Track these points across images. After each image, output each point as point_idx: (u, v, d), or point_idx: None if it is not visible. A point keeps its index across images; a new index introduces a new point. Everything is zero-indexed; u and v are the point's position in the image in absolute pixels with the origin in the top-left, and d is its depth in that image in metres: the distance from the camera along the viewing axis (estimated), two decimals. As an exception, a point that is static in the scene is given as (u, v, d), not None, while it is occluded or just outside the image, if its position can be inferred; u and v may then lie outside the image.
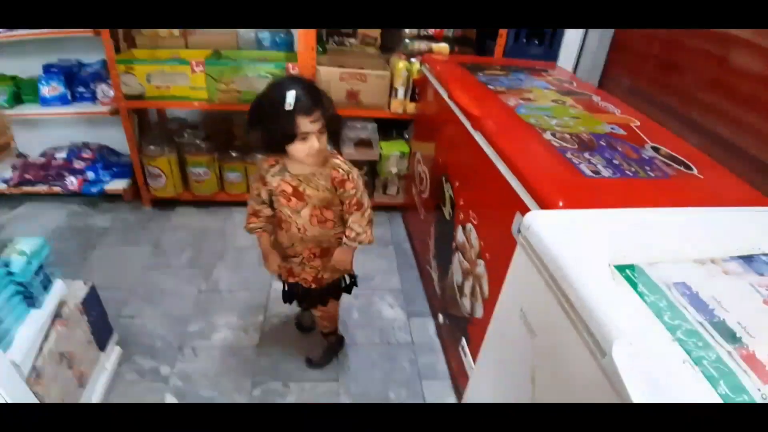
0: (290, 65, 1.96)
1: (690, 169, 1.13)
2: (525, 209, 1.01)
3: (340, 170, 1.20)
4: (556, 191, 0.94)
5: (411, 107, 2.01)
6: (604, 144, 1.18)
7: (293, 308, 1.63)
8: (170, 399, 1.45)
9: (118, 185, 2.28)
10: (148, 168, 2.17)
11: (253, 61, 1.98)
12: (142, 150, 2.15)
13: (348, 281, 1.45)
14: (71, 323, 1.32)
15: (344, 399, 1.47)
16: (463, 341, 1.39)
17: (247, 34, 2.19)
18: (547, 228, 0.80)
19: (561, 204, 0.92)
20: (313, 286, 1.37)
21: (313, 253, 1.31)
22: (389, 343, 1.66)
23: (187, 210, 2.31)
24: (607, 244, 0.77)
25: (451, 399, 1.48)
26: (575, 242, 0.77)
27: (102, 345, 1.50)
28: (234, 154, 2.21)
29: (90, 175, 2.28)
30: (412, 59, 2.00)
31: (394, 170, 2.13)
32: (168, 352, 1.59)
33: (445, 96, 1.60)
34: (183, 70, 1.95)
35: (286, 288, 1.44)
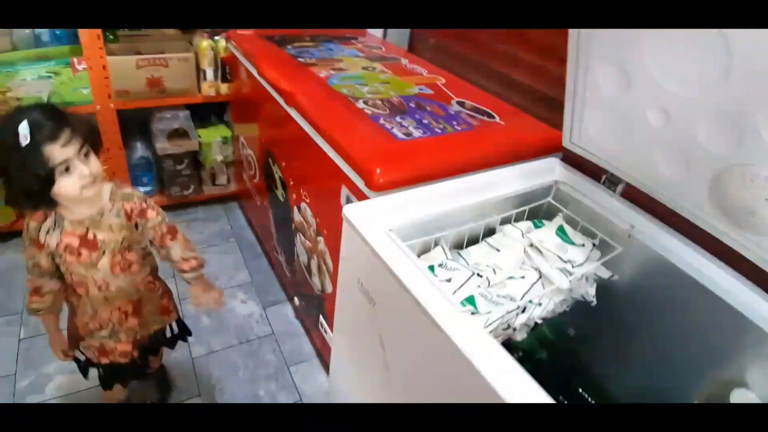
0: (75, 60, 1.65)
1: (492, 117, 1.25)
2: (348, 181, 1.02)
3: (135, 199, 0.99)
4: (373, 159, 0.96)
5: (224, 88, 1.86)
6: (413, 105, 1.24)
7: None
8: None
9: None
10: None
11: (30, 62, 1.63)
12: None
13: (175, 330, 1.24)
14: None
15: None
16: (321, 318, 1.39)
17: (22, 31, 1.76)
18: (359, 216, 0.84)
19: (378, 171, 0.94)
20: (136, 354, 1.13)
21: (124, 313, 1.07)
22: (249, 341, 1.58)
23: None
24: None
25: (322, 377, 1.49)
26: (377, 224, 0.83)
27: None
28: None
29: None
30: (217, 37, 1.85)
31: (219, 158, 1.98)
32: None
33: (255, 73, 1.51)
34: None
35: (102, 372, 1.17)
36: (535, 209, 1.10)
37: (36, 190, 0.85)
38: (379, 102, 1.22)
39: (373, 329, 0.88)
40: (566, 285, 0.93)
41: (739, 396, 0.82)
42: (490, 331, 0.82)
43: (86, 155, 0.88)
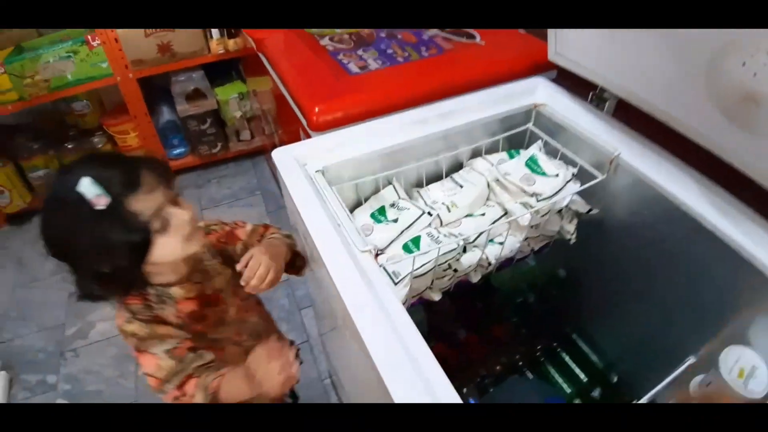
0: (89, 37, 1.74)
1: (472, 37, 1.13)
2: (301, 123, 0.98)
3: (214, 227, 0.82)
4: (315, 98, 0.92)
5: (232, 44, 1.86)
6: (383, 35, 1.14)
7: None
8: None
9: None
10: (-13, 186, 1.94)
11: (51, 45, 1.75)
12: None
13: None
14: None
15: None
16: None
17: None
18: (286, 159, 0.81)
19: (317, 110, 0.89)
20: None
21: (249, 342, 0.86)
22: (267, 287, 1.66)
23: (43, 217, 2.14)
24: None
25: (332, 321, 1.53)
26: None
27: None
28: (70, 146, 2.00)
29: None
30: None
31: (238, 114, 2.01)
32: (51, 361, 1.57)
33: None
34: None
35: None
36: (517, 138, 0.99)
37: (125, 265, 0.62)
38: (346, 36, 1.15)
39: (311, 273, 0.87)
40: (526, 221, 0.83)
41: (733, 353, 0.69)
42: (424, 273, 0.76)
43: (176, 197, 0.66)
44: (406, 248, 0.79)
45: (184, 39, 1.80)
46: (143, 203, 0.60)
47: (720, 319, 0.76)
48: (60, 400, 1.45)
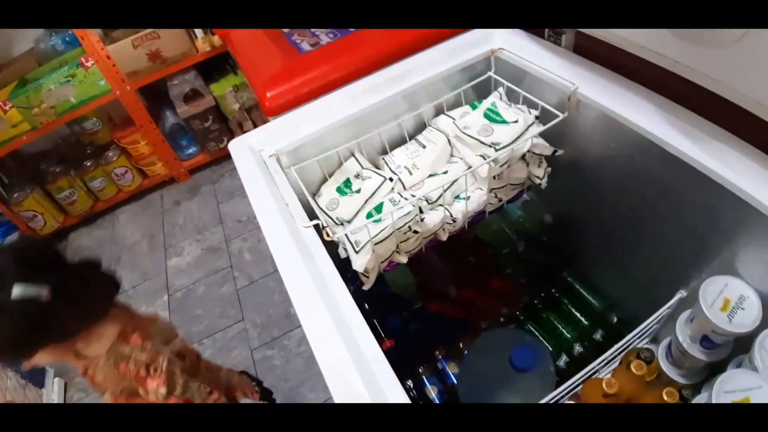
0: (82, 59, 1.80)
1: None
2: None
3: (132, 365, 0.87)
4: (266, 84, 0.93)
5: (216, 40, 1.88)
6: (339, 6, 1.13)
7: (194, 277, 1.76)
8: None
9: (8, 241, 2.23)
10: (21, 214, 2.11)
11: (51, 72, 1.83)
12: (8, 200, 2.08)
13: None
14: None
15: (252, 332, 1.59)
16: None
17: (41, 46, 1.96)
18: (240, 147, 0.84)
19: (269, 95, 0.91)
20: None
21: None
22: (282, 269, 1.73)
23: (77, 233, 2.29)
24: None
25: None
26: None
27: (39, 383, 1.59)
28: (88, 163, 2.12)
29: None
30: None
31: (236, 106, 2.04)
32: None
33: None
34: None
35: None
36: (482, 88, 0.96)
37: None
38: (302, 14, 1.14)
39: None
40: (484, 172, 0.82)
41: (715, 284, 0.66)
42: (385, 239, 0.77)
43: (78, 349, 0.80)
44: (369, 216, 0.80)
45: (170, 44, 1.84)
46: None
47: (706, 249, 0.72)
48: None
